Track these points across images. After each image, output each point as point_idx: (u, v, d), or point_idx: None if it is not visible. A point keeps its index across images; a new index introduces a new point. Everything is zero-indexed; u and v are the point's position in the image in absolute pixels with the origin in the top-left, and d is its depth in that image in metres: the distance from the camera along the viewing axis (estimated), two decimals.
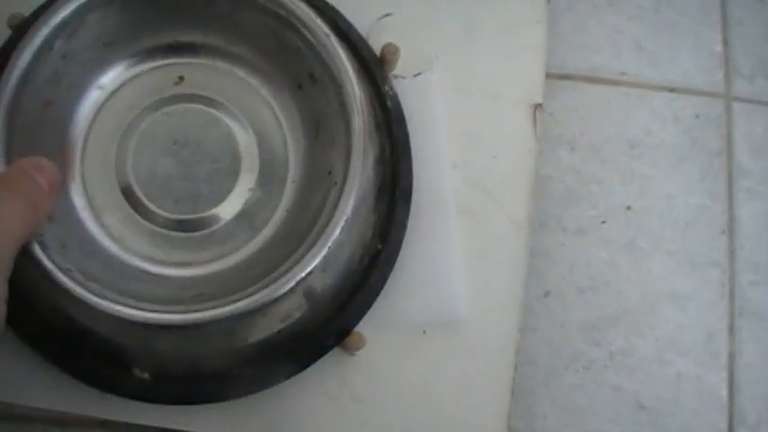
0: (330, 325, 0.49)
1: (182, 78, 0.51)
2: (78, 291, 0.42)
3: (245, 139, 0.51)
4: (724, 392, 0.56)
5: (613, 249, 0.57)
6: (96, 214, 0.49)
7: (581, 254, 0.56)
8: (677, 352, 0.56)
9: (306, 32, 0.48)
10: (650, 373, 0.55)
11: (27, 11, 0.51)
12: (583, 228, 0.57)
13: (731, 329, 0.56)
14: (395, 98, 0.53)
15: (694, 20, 0.61)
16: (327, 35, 0.47)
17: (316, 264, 0.44)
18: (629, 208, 0.57)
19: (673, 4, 0.62)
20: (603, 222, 0.57)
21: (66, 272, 0.42)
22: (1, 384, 0.48)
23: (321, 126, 0.50)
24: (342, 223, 0.45)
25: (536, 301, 0.55)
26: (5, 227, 0.38)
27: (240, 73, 0.52)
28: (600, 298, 0.56)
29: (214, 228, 0.49)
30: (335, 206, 0.45)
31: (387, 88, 0.53)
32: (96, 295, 0.42)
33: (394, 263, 0.51)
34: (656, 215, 0.57)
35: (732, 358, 0.56)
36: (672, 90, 0.60)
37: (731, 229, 0.58)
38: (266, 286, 0.44)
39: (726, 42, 0.61)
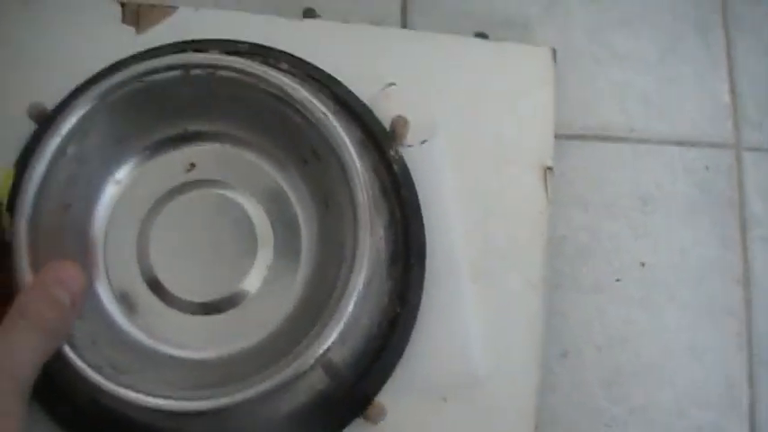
0: (352, 395, 0.52)
1: (193, 165, 0.56)
2: (110, 386, 0.45)
3: (259, 218, 0.55)
4: None
5: (629, 305, 0.59)
6: (123, 307, 0.53)
7: (597, 311, 0.59)
8: (697, 405, 0.58)
9: (305, 112, 0.51)
10: (671, 428, 0.58)
11: (46, 99, 0.54)
12: (598, 285, 0.60)
13: (750, 379, 0.59)
14: (401, 163, 0.56)
15: (701, 70, 0.64)
16: (325, 114, 0.51)
17: (333, 340, 0.47)
18: (643, 264, 0.60)
19: (678, 55, 0.65)
20: (618, 280, 0.60)
21: (97, 369, 0.46)
22: None
23: (330, 200, 0.53)
24: (354, 298, 0.48)
25: (555, 360, 0.58)
26: (21, 357, 0.41)
27: (248, 155, 0.56)
28: (618, 354, 0.59)
29: (237, 307, 0.53)
30: (347, 281, 0.48)
31: (393, 153, 0.56)
32: (128, 388, 0.45)
33: (413, 325, 0.54)
34: (670, 269, 0.60)
35: (752, 407, 0.59)
36: (681, 143, 0.63)
37: (746, 279, 0.60)
38: (288, 365, 0.47)
39: (733, 92, 0.64)
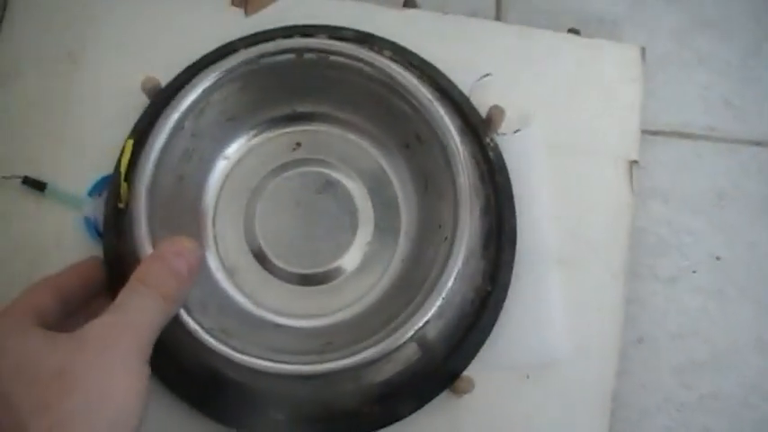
0: (442, 368, 0.55)
1: (299, 144, 0.59)
2: (221, 348, 0.49)
3: (360, 197, 0.58)
4: None
5: (703, 297, 0.63)
6: (230, 275, 0.57)
7: (672, 301, 0.63)
8: (763, 397, 0.61)
9: (411, 98, 0.55)
10: (738, 416, 0.61)
11: (158, 73, 0.58)
12: (674, 276, 0.63)
13: None
14: (497, 150, 0.59)
15: None
16: (431, 100, 0.54)
17: (431, 314, 0.51)
18: (718, 258, 0.63)
19: (760, 58, 0.68)
20: (694, 272, 0.63)
21: (208, 331, 0.49)
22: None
23: (429, 182, 0.57)
24: (454, 275, 0.51)
25: (630, 346, 0.61)
26: (142, 319, 0.45)
27: (351, 136, 0.60)
28: (690, 343, 0.62)
29: (337, 280, 0.57)
30: (447, 259, 0.52)
31: (489, 141, 0.59)
32: (237, 351, 0.49)
33: (502, 304, 0.57)
34: (743, 264, 0.63)
35: None
36: (759, 144, 0.66)
37: None
38: (387, 336, 0.50)
39: None
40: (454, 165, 0.53)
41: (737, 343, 0.62)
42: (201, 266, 0.52)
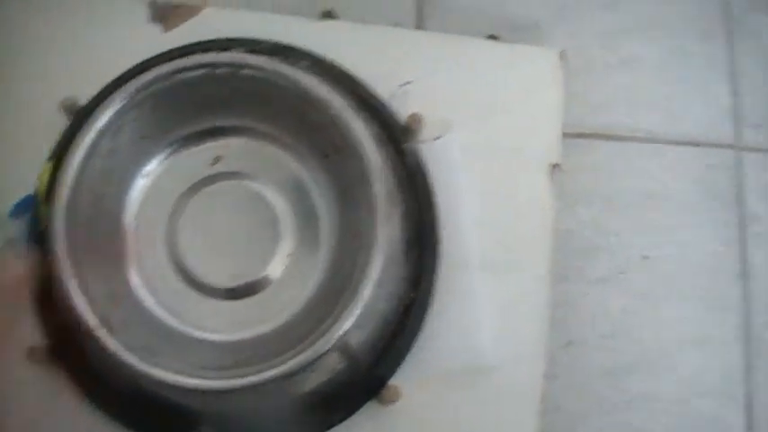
0: (367, 377, 0.57)
1: (218, 158, 0.61)
2: (143, 367, 0.50)
3: (281, 208, 0.59)
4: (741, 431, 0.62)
5: (632, 298, 0.64)
6: (154, 292, 0.58)
7: (601, 303, 0.64)
8: (696, 394, 0.63)
9: (325, 109, 0.56)
10: (670, 416, 0.62)
11: (78, 93, 0.59)
12: (603, 278, 0.64)
13: (748, 369, 0.63)
14: (416, 157, 0.61)
15: (703, 74, 0.69)
16: (344, 110, 0.55)
17: (351, 323, 0.52)
18: (645, 257, 0.64)
19: (683, 59, 0.69)
20: (622, 273, 0.64)
21: (131, 350, 0.50)
22: None
23: (348, 191, 0.58)
24: (372, 283, 0.52)
25: (559, 349, 0.62)
26: None
27: (271, 148, 0.61)
28: (620, 344, 0.63)
29: (261, 293, 0.58)
30: (365, 267, 0.53)
31: (408, 148, 0.60)
32: (160, 368, 0.50)
33: (427, 311, 0.58)
34: (672, 263, 0.65)
35: (749, 398, 0.63)
36: (683, 143, 0.67)
37: (745, 274, 0.65)
38: (309, 347, 0.51)
39: (734, 94, 0.68)
40: (369, 173, 0.54)
41: (669, 342, 0.63)
42: (120, 278, 0.55)
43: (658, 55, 0.69)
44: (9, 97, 0.62)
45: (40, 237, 0.56)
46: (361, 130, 0.55)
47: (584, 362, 0.63)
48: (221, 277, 0.58)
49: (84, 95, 0.59)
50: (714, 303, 0.64)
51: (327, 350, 0.51)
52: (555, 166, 0.61)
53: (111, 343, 0.51)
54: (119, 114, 0.55)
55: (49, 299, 0.56)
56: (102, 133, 0.55)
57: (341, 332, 0.51)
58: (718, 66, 0.69)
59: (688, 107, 0.68)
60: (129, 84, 0.55)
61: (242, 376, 0.51)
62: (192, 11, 0.63)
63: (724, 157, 0.67)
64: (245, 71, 0.56)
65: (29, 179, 0.59)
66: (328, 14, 0.65)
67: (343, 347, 0.53)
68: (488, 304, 0.59)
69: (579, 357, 0.63)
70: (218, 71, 0.56)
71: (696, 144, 0.67)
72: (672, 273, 0.65)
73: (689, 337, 0.63)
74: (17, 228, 0.58)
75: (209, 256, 0.58)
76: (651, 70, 0.69)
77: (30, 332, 0.56)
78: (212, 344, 0.57)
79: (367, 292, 0.52)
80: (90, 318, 0.51)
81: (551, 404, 0.60)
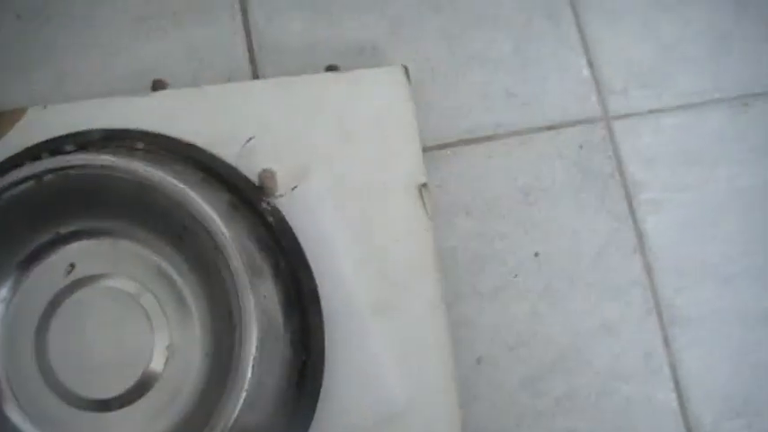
0: None
1: (72, 266, 0.58)
2: None
3: (147, 302, 0.57)
4: (674, 404, 0.61)
5: (532, 299, 0.62)
6: (35, 421, 0.55)
7: (502, 313, 0.62)
8: (620, 379, 0.61)
9: (164, 192, 0.53)
10: (599, 407, 0.60)
11: None
12: (497, 287, 0.62)
13: (666, 341, 0.62)
14: (277, 214, 0.58)
15: (556, 52, 0.67)
16: (183, 191, 0.53)
17: (239, 406, 0.49)
18: (537, 254, 0.62)
19: (532, 43, 0.67)
20: (516, 276, 0.62)
21: None
22: None
23: (209, 268, 0.55)
24: (251, 362, 0.50)
25: (470, 370, 0.60)
26: None
27: (123, 243, 0.58)
28: (531, 350, 0.61)
29: (148, 393, 0.55)
30: (242, 344, 0.50)
31: (266, 207, 0.58)
32: None
33: (322, 369, 0.56)
34: (565, 253, 0.63)
35: (674, 369, 0.61)
36: (550, 127, 0.65)
37: (642, 245, 0.63)
38: None
39: (591, 64, 0.66)
40: (223, 249, 0.52)
41: (580, 335, 0.62)
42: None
43: (506, 45, 0.67)
44: None
45: None
46: (204, 207, 0.52)
47: (499, 376, 0.61)
48: (105, 388, 0.55)
49: None
50: (617, 284, 0.63)
51: None
52: (423, 186, 0.59)
53: None
54: None
55: None
56: None
57: (234, 416, 0.49)
58: (570, 41, 0.67)
59: (547, 90, 0.66)
60: None
61: None
62: (15, 115, 0.60)
63: (595, 132, 0.65)
64: (74, 172, 0.53)
65: None
66: (159, 84, 0.62)
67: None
68: (386, 346, 0.57)
69: (493, 373, 0.61)
70: (45, 179, 0.53)
71: (563, 125, 0.65)
72: (567, 263, 0.63)
73: (599, 324, 0.62)
74: None
75: (86, 370, 0.56)
76: (502, 61, 0.67)
77: None
78: None
79: (248, 372, 0.50)
80: None
81: (475, 427, 0.58)
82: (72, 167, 0.53)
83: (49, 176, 0.53)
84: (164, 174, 0.53)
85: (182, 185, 0.53)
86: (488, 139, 0.65)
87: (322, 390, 0.56)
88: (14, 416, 0.55)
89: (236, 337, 0.52)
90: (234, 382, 0.50)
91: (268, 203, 0.58)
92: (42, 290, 0.57)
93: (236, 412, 0.49)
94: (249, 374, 0.50)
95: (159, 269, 0.57)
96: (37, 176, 0.53)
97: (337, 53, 0.65)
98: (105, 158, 0.53)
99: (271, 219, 0.57)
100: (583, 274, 0.63)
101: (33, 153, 0.58)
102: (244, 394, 0.49)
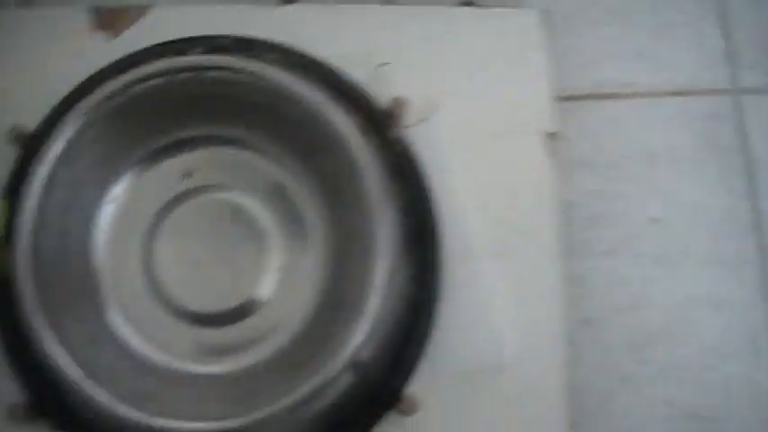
0: (380, 390, 0.53)
1: (189, 173, 0.56)
2: (138, 416, 0.46)
3: (265, 219, 0.55)
4: None
5: (646, 264, 0.61)
6: (137, 328, 0.53)
7: (615, 274, 0.60)
8: (723, 356, 0.60)
9: (302, 105, 0.52)
10: (700, 381, 0.59)
11: (26, 120, 0.54)
12: (613, 248, 0.61)
13: None
14: (405, 144, 0.57)
15: (693, 18, 0.66)
16: (323, 103, 0.51)
17: (361, 339, 0.48)
18: (654, 220, 0.61)
19: (670, 5, 0.65)
20: (632, 239, 0.61)
21: (124, 399, 0.46)
22: None
23: (336, 191, 0.54)
24: (380, 290, 0.49)
25: (578, 328, 0.59)
26: None
27: (245, 154, 0.56)
28: (640, 315, 0.60)
29: (253, 315, 0.53)
30: (370, 274, 0.49)
31: (395, 136, 0.56)
32: (157, 416, 0.46)
33: (436, 308, 0.55)
34: (682, 222, 0.61)
35: None
36: (679, 93, 0.64)
37: (758, 224, 0.62)
38: (318, 371, 0.48)
39: (727, 36, 0.65)
40: (359, 170, 0.50)
41: (689, 306, 0.61)
42: (97, 318, 0.51)
43: (643, 4, 0.66)
44: None
45: (2, 284, 0.51)
46: (343, 124, 0.51)
47: (605, 338, 0.60)
48: (209, 303, 0.53)
49: (33, 121, 0.54)
50: (730, 260, 0.61)
51: (339, 370, 0.48)
52: (551, 135, 0.58)
53: (100, 394, 0.47)
54: (75, 138, 0.50)
55: (22, 351, 0.51)
56: (58, 162, 0.50)
57: (352, 349, 0.48)
58: (708, 8, 0.66)
59: (680, 56, 0.65)
60: (81, 103, 0.50)
61: (247, 413, 0.47)
62: (138, 13, 0.58)
63: (723, 103, 0.64)
64: (209, 74, 0.51)
65: None
66: None
67: (354, 365, 0.49)
68: (499, 292, 0.55)
69: (600, 334, 0.60)
70: (178, 77, 0.51)
71: (692, 93, 0.64)
72: (683, 233, 0.62)
73: (708, 299, 0.61)
74: None
75: (193, 282, 0.54)
76: (637, 19, 0.65)
77: (7, 389, 0.52)
78: (207, 378, 0.52)
79: (375, 301, 0.48)
80: (72, 370, 0.47)
81: (576, 386, 0.57)
82: (209, 68, 0.51)
83: (184, 75, 0.51)
84: (303, 85, 0.51)
85: (323, 99, 0.51)
86: (616, 96, 0.63)
87: (433, 330, 0.54)
88: (116, 318, 0.53)
89: (359, 266, 0.50)
90: (360, 309, 0.48)
91: (397, 132, 0.56)
92: (156, 195, 0.55)
93: (358, 342, 0.48)
94: (376, 304, 0.48)
95: (280, 186, 0.55)
96: (171, 73, 0.51)
97: None
98: (245, 62, 0.51)
99: (399, 148, 0.55)
100: (697, 246, 0.61)
101: (158, 52, 0.55)
102: (368, 324, 0.48)
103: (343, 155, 0.50)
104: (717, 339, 0.60)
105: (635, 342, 0.60)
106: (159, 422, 0.46)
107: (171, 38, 0.57)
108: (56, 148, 0.50)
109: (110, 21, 0.58)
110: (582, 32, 0.65)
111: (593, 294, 0.60)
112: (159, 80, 0.51)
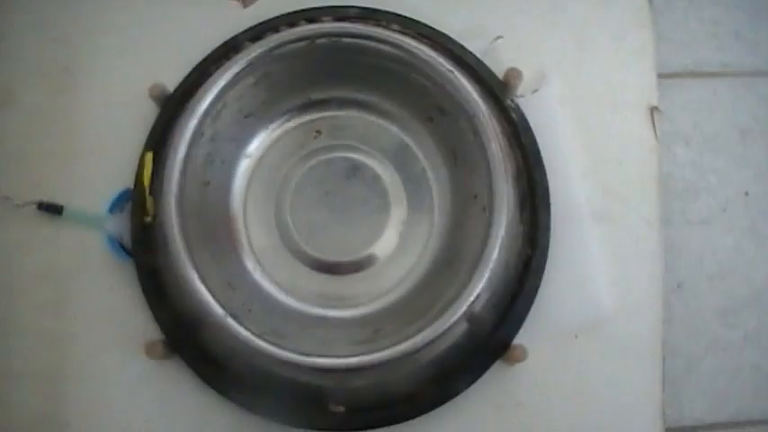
0: (491, 340, 0.57)
1: (319, 132, 0.60)
2: (281, 353, 0.50)
3: (388, 177, 0.59)
4: None
5: (737, 235, 0.65)
6: (268, 273, 0.58)
7: (707, 243, 0.65)
8: None
9: (429, 71, 0.55)
10: None
11: (163, 78, 0.58)
12: (706, 218, 0.65)
13: None
14: (519, 112, 0.60)
15: None
16: (451, 71, 0.55)
17: (479, 290, 0.52)
18: (746, 194, 0.65)
19: None
20: (724, 210, 0.64)
21: (260, 336, 0.50)
22: None
23: (458, 153, 0.58)
24: (498, 246, 0.53)
25: (671, 293, 0.63)
26: None
27: (371, 117, 0.61)
28: (729, 283, 0.64)
29: (377, 264, 0.58)
30: (489, 229, 0.53)
31: (510, 104, 0.60)
32: (294, 352, 0.50)
33: (544, 266, 0.59)
34: None
35: None
36: None
37: None
38: (438, 318, 0.52)
39: None
40: (483, 133, 0.54)
41: None
42: (236, 262, 0.56)
43: None
44: (92, 90, 0.61)
45: (142, 230, 0.56)
46: (469, 90, 0.54)
47: (695, 303, 0.64)
48: (336, 253, 0.58)
49: (171, 81, 0.59)
50: None
51: (457, 319, 0.51)
52: (654, 108, 0.61)
53: (242, 331, 0.50)
54: (219, 96, 0.54)
55: (160, 292, 0.56)
56: (204, 118, 0.54)
57: (471, 299, 0.51)
58: None
59: None
60: (228, 63, 0.54)
61: (371, 352, 0.51)
62: None
63: None
64: (346, 40, 0.55)
65: (122, 173, 0.58)
66: None
67: (470, 314, 0.53)
68: (602, 254, 0.59)
69: (691, 299, 0.64)
70: (317, 42, 0.55)
71: None
72: None
73: None
74: (117, 222, 0.58)
75: (321, 233, 0.58)
76: (736, 1, 0.69)
77: (144, 328, 0.57)
78: (335, 321, 0.57)
79: (493, 256, 0.52)
80: (216, 308, 0.51)
81: (668, 348, 0.60)
82: (347, 35, 0.55)
83: (322, 40, 0.55)
84: (431, 52, 0.55)
85: (449, 66, 0.55)
86: (713, 75, 0.67)
87: (540, 286, 0.58)
88: (249, 263, 0.58)
89: (479, 222, 0.54)
90: (480, 261, 0.52)
91: (512, 101, 0.60)
92: (288, 151, 0.60)
93: (477, 293, 0.52)
94: (495, 255, 0.52)
95: (404, 147, 0.60)
96: (311, 38, 0.55)
97: None
98: (379, 31, 0.55)
99: (514, 115, 0.59)
100: None
101: (290, 20, 0.60)
102: (486, 277, 0.52)
103: (468, 119, 0.54)
104: None
105: (723, 308, 0.64)
106: (292, 356, 0.50)
107: (299, 8, 0.60)
108: (203, 104, 0.53)
109: None
110: (682, 13, 0.69)
111: (686, 261, 0.65)
112: (301, 44, 0.55)
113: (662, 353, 0.58)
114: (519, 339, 0.57)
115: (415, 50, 0.55)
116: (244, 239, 0.58)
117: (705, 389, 0.63)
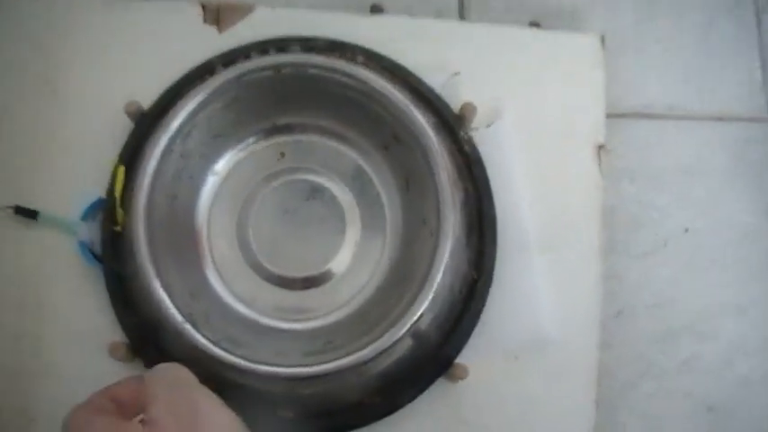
0: (436, 357, 0.61)
1: (283, 154, 0.65)
2: (229, 358, 0.54)
3: (346, 199, 0.64)
4: None
5: (675, 268, 0.69)
6: (228, 285, 0.63)
7: (647, 274, 0.69)
8: (743, 354, 0.68)
9: (387, 103, 0.60)
10: (719, 377, 0.67)
11: (138, 95, 0.63)
12: (647, 251, 0.69)
13: None
14: (472, 144, 0.65)
15: (734, 49, 0.74)
16: (407, 104, 0.59)
17: (424, 308, 0.56)
18: (686, 230, 0.69)
19: (713, 35, 0.74)
20: (665, 245, 0.69)
21: (216, 343, 0.54)
22: None
23: (411, 180, 0.62)
24: (442, 268, 0.57)
25: (611, 320, 0.67)
26: None
27: (332, 142, 0.65)
28: (666, 312, 0.68)
29: (331, 281, 0.62)
30: (434, 252, 0.57)
31: (463, 136, 0.64)
32: (247, 360, 0.54)
33: (488, 291, 0.63)
34: (712, 234, 0.70)
35: None
36: (718, 118, 0.72)
37: None
38: (384, 333, 0.56)
39: (764, 68, 0.73)
40: (433, 162, 0.58)
41: (713, 308, 0.69)
42: (198, 273, 0.60)
43: (689, 32, 0.74)
44: (71, 102, 0.65)
45: (112, 238, 0.60)
46: (422, 122, 0.59)
47: (633, 330, 0.68)
48: (294, 268, 0.62)
49: (145, 98, 0.63)
50: (752, 272, 0.69)
51: (402, 335, 0.55)
52: (601, 147, 0.66)
53: (199, 338, 0.54)
54: (190, 117, 0.59)
55: (125, 298, 0.60)
56: (175, 136, 0.58)
57: (415, 317, 0.55)
58: (748, 40, 0.74)
59: (720, 84, 0.73)
60: (199, 87, 0.59)
61: (321, 363, 0.55)
62: (244, 11, 0.66)
63: (758, 130, 0.72)
64: (311, 70, 0.60)
65: (96, 183, 0.62)
66: (376, 8, 0.68)
67: (415, 331, 0.57)
68: (545, 281, 0.64)
69: (629, 326, 0.68)
70: (283, 71, 0.60)
71: (730, 119, 0.72)
72: (712, 243, 0.70)
73: (732, 303, 0.69)
74: (89, 230, 0.62)
75: (280, 249, 0.63)
76: (683, 48, 0.74)
77: (109, 331, 0.60)
78: (289, 332, 0.61)
79: (438, 278, 0.56)
80: (175, 315, 0.55)
81: (605, 371, 0.65)
82: (311, 66, 0.60)
83: (287, 70, 0.60)
84: (389, 85, 0.60)
85: (404, 98, 0.59)
86: (660, 117, 0.71)
87: (485, 307, 0.62)
88: (211, 275, 0.62)
89: (426, 245, 0.58)
90: (425, 282, 0.56)
91: (466, 133, 0.64)
92: (253, 171, 0.64)
93: (421, 311, 0.56)
94: (440, 277, 0.56)
95: (361, 172, 0.64)
96: (277, 68, 0.60)
97: (538, 12, 0.71)
98: (341, 63, 0.60)
99: (467, 147, 0.64)
100: (725, 257, 0.69)
101: (262, 47, 0.64)
102: (431, 295, 0.56)
103: (420, 149, 0.58)
104: (737, 340, 0.69)
105: (660, 336, 0.68)
106: (245, 364, 0.54)
107: (270, 37, 0.65)
108: (174, 123, 0.58)
109: (217, 16, 0.66)
110: (634, 57, 0.73)
111: (626, 290, 0.69)
112: (267, 72, 0.60)
113: (597, 376, 0.63)
114: (462, 358, 0.61)
115: (374, 83, 0.59)
116: (207, 252, 0.62)
117: (639, 413, 0.67)
